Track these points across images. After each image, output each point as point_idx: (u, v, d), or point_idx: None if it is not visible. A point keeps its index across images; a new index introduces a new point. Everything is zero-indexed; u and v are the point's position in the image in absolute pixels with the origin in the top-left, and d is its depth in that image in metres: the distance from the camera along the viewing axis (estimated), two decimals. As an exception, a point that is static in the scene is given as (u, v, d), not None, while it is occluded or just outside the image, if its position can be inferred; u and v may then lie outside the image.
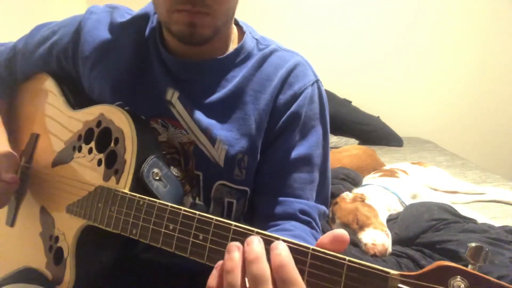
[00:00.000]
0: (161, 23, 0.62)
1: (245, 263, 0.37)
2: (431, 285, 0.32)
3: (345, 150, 1.93)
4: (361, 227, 1.19)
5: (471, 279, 0.31)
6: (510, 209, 1.49)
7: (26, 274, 0.66)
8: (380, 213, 1.26)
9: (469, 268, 0.32)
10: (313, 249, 0.37)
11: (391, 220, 1.29)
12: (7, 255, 0.72)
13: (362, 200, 1.29)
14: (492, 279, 0.31)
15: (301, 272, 0.37)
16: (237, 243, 0.39)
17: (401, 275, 0.34)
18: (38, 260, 0.64)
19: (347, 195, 1.33)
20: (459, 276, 0.32)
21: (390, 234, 1.17)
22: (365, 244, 1.14)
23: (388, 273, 0.34)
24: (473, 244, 0.33)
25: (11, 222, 0.73)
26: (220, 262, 0.40)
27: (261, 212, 0.68)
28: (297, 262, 0.37)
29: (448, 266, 0.32)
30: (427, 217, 1.22)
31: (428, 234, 1.18)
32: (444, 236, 1.14)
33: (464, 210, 1.35)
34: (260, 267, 0.36)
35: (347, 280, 0.35)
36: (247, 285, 0.37)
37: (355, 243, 1.20)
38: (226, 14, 0.60)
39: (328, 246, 0.38)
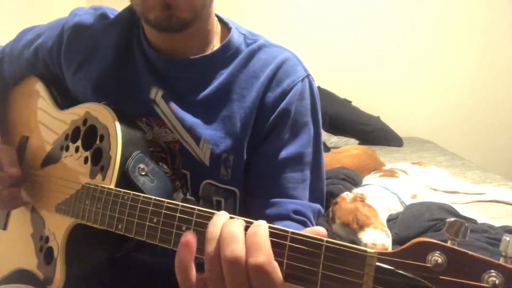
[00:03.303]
0: (139, 16, 0.62)
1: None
2: (409, 262, 0.32)
3: (345, 150, 1.92)
4: (361, 227, 1.19)
5: (449, 253, 0.31)
6: (510, 209, 1.49)
7: (19, 275, 0.66)
8: (380, 213, 1.25)
9: (448, 243, 0.32)
10: (292, 232, 0.38)
11: (391, 220, 1.29)
12: (1, 257, 0.72)
13: (362, 200, 1.29)
14: (470, 252, 0.31)
15: (281, 255, 0.38)
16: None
17: (379, 253, 0.34)
18: (30, 261, 0.64)
19: (347, 195, 1.33)
20: (437, 252, 0.31)
21: (390, 234, 1.17)
22: (365, 244, 1.13)
23: (365, 251, 0.34)
24: (452, 219, 0.33)
25: (4, 225, 0.73)
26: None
27: (254, 214, 0.66)
28: (277, 246, 0.38)
29: (426, 242, 0.32)
30: (427, 217, 1.22)
31: (428, 234, 1.18)
32: (444, 236, 1.14)
33: (464, 210, 1.35)
34: (231, 229, 0.39)
35: (326, 261, 0.36)
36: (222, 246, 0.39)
37: (355, 243, 1.19)
38: None
39: None
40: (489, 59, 2.72)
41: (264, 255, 0.37)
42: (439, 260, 0.31)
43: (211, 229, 0.40)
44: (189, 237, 0.40)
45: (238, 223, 0.40)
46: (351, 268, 0.35)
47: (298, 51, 0.71)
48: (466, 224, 0.33)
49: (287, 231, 0.38)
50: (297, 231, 0.38)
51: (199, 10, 0.59)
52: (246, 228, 0.40)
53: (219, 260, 0.38)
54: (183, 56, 0.65)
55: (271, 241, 0.38)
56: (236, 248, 0.37)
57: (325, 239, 0.36)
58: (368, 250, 0.34)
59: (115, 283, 0.68)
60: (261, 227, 0.39)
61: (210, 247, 0.39)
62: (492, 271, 0.30)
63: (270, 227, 0.39)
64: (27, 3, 1.80)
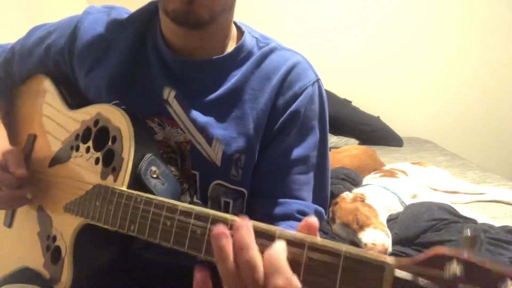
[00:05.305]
0: (159, 6, 0.62)
1: (235, 251, 0.39)
2: (427, 273, 0.32)
3: (345, 150, 1.92)
4: (361, 227, 1.19)
5: (467, 264, 0.32)
6: (510, 209, 1.49)
7: (24, 274, 0.66)
8: (380, 213, 1.25)
9: (465, 254, 0.32)
10: (310, 241, 0.38)
11: (391, 220, 1.29)
12: (5, 255, 0.72)
13: (362, 200, 1.29)
14: (487, 262, 0.31)
15: (298, 264, 0.38)
16: (221, 228, 0.40)
17: (397, 264, 0.34)
18: (36, 260, 0.64)
19: (347, 195, 1.33)
20: (455, 262, 0.32)
21: (390, 234, 1.17)
22: (365, 244, 1.14)
23: (384, 262, 0.34)
24: (469, 234, 0.33)
25: (9, 223, 0.73)
26: None
27: (259, 215, 0.67)
28: (294, 254, 0.38)
29: (444, 252, 0.33)
30: (427, 217, 1.22)
31: (428, 234, 1.18)
32: (444, 236, 1.14)
33: (464, 210, 1.35)
34: (248, 254, 0.38)
35: (344, 270, 0.36)
36: (241, 271, 0.38)
37: (355, 243, 1.20)
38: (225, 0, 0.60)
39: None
40: (489, 59, 2.72)
41: (283, 278, 0.36)
42: (458, 272, 0.31)
43: (222, 249, 0.39)
44: (203, 274, 0.40)
45: (252, 243, 0.38)
46: (369, 279, 0.34)
47: (299, 51, 0.72)
48: (482, 236, 0.33)
49: (304, 239, 0.38)
50: (314, 240, 0.38)
51: (218, 13, 0.59)
52: (257, 235, 0.39)
53: (238, 276, 0.38)
54: (197, 58, 0.66)
55: (288, 249, 0.38)
56: (255, 275, 0.37)
57: (344, 248, 0.36)
58: (387, 260, 0.34)
59: (123, 282, 0.68)
60: (279, 248, 0.38)
61: (225, 266, 0.39)
62: (509, 280, 0.30)
63: (287, 236, 0.39)
64: (27, 3, 1.80)
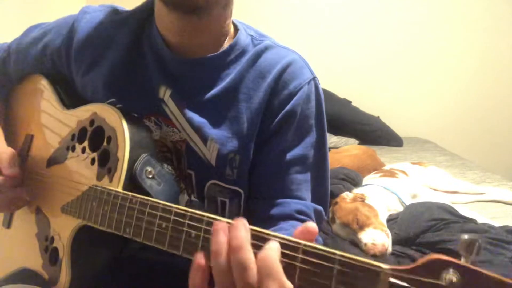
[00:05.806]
0: None
1: (230, 249, 0.38)
2: (424, 279, 0.32)
3: (345, 150, 1.92)
4: (361, 227, 1.19)
5: (465, 272, 0.31)
6: (510, 209, 1.49)
7: (23, 275, 0.66)
8: (380, 213, 1.25)
9: (462, 261, 0.32)
10: (304, 245, 0.37)
11: (391, 220, 1.29)
12: (4, 256, 0.72)
13: (362, 200, 1.29)
14: (485, 271, 0.30)
15: (293, 268, 0.37)
16: (223, 224, 0.40)
17: (393, 270, 0.33)
18: (35, 261, 0.64)
19: (347, 195, 1.33)
20: (452, 270, 0.31)
21: (390, 234, 1.17)
22: (365, 244, 1.14)
23: (379, 267, 0.34)
24: (466, 237, 0.32)
25: (7, 224, 0.73)
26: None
27: (258, 216, 0.66)
28: (289, 257, 0.37)
29: (441, 260, 0.32)
30: (427, 217, 1.22)
31: (428, 234, 1.18)
32: (444, 236, 1.14)
33: (464, 210, 1.35)
34: (243, 255, 0.37)
35: (339, 275, 0.35)
36: (234, 272, 0.38)
37: (355, 243, 1.20)
38: None
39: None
40: (489, 59, 2.72)
41: (275, 281, 0.36)
42: (454, 279, 0.31)
43: (218, 245, 0.39)
44: (201, 260, 0.40)
45: (246, 244, 0.38)
46: (363, 285, 0.34)
47: (298, 51, 0.71)
48: (480, 241, 0.32)
49: (299, 243, 0.37)
50: (310, 244, 0.37)
51: (213, 1, 0.59)
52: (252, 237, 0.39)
53: (230, 276, 0.38)
54: (193, 56, 0.65)
55: (282, 253, 0.38)
56: (248, 278, 0.37)
57: (338, 252, 0.36)
58: (382, 266, 0.34)
59: (122, 282, 0.68)
60: (272, 251, 0.37)
61: (218, 263, 0.39)
62: None
63: (281, 238, 0.38)
64: (27, 3, 1.80)
